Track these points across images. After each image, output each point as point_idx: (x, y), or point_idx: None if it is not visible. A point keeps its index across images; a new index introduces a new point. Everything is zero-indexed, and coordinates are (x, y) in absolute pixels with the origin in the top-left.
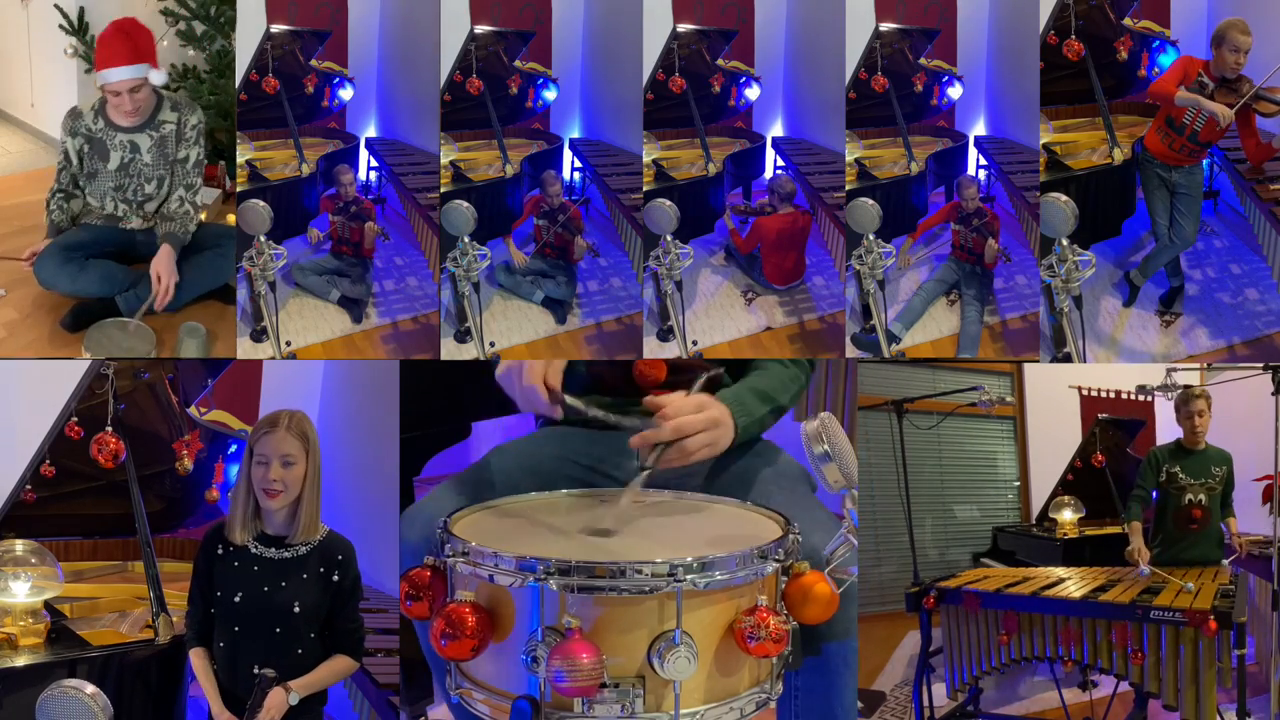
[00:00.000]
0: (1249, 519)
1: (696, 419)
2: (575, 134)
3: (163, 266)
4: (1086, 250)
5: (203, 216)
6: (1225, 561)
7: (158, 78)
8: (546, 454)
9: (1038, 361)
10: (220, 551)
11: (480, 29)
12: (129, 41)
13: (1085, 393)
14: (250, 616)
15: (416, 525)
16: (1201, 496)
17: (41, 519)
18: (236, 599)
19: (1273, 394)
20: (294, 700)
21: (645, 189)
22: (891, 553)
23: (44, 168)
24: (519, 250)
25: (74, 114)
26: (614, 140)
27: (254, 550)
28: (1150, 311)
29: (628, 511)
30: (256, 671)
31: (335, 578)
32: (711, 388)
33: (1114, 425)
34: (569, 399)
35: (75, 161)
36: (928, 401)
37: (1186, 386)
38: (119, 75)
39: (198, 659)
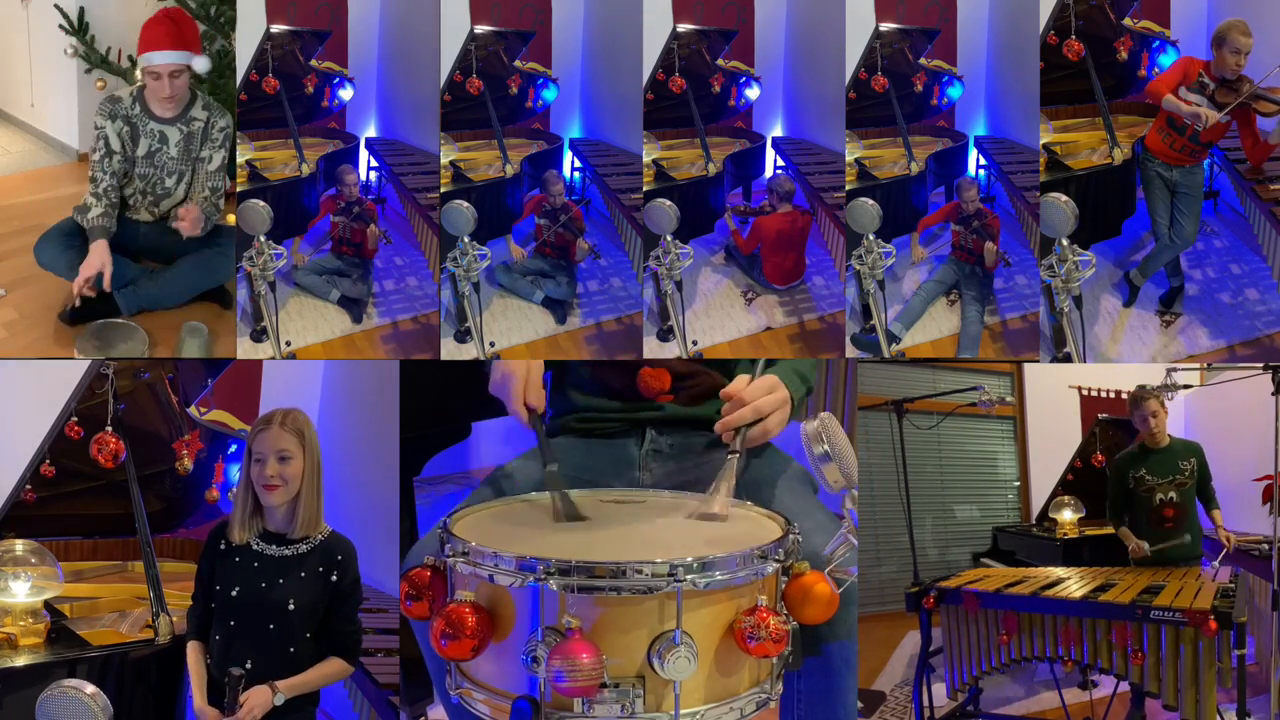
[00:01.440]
0: (1249, 519)
1: (772, 398)
2: (575, 134)
3: (189, 211)
4: (1086, 250)
5: None
6: (1216, 562)
7: (201, 65)
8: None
9: (1038, 361)
10: (223, 548)
11: (480, 29)
12: (174, 27)
13: (1085, 393)
14: (245, 612)
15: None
16: (1172, 494)
17: (41, 519)
18: (234, 594)
19: (1273, 394)
20: (279, 700)
21: (645, 189)
22: (891, 553)
23: (44, 168)
24: (518, 247)
25: (112, 99)
26: (614, 140)
27: (255, 547)
28: (1150, 311)
29: (726, 497)
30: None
31: (334, 578)
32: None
33: (1114, 425)
34: (539, 433)
35: (119, 147)
36: (928, 401)
37: (1138, 388)
38: (162, 58)
39: (192, 652)
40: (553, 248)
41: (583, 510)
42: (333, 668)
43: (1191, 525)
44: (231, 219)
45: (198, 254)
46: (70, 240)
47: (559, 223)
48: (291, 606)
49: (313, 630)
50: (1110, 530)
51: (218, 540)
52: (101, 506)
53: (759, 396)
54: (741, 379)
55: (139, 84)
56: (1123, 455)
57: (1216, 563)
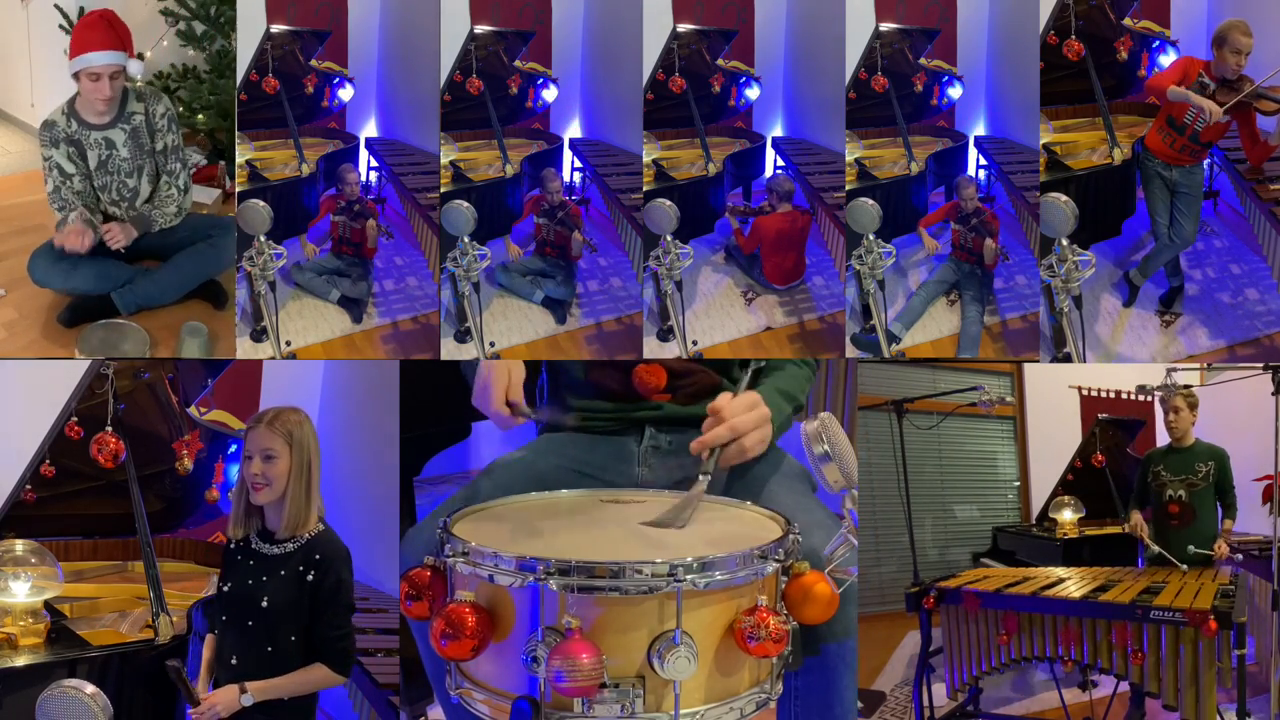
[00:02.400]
0: (1249, 519)
1: (750, 417)
2: (575, 134)
3: (118, 226)
4: (1086, 250)
5: (202, 211)
6: (1216, 559)
7: (135, 68)
8: (546, 464)
9: (1038, 361)
10: (231, 545)
11: (480, 29)
12: (111, 29)
13: (1085, 393)
14: (232, 608)
15: (418, 546)
16: (1181, 493)
17: (41, 519)
18: (225, 589)
19: (1273, 394)
20: (246, 702)
21: (645, 189)
22: (891, 553)
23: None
24: (515, 245)
25: (47, 125)
26: (614, 140)
27: (254, 545)
28: (1150, 311)
29: (689, 512)
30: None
31: (311, 578)
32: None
33: (1114, 425)
34: (526, 411)
35: (73, 169)
36: (928, 401)
37: (1169, 385)
38: (104, 59)
39: (205, 647)
40: (552, 247)
41: (585, 509)
42: (314, 675)
43: (1201, 529)
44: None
45: (193, 248)
46: (60, 253)
47: (556, 220)
48: (265, 604)
49: (297, 633)
50: (1110, 530)
51: (228, 537)
52: (101, 506)
53: (738, 414)
54: (725, 395)
55: (70, 96)
56: (1152, 450)
57: (1219, 564)
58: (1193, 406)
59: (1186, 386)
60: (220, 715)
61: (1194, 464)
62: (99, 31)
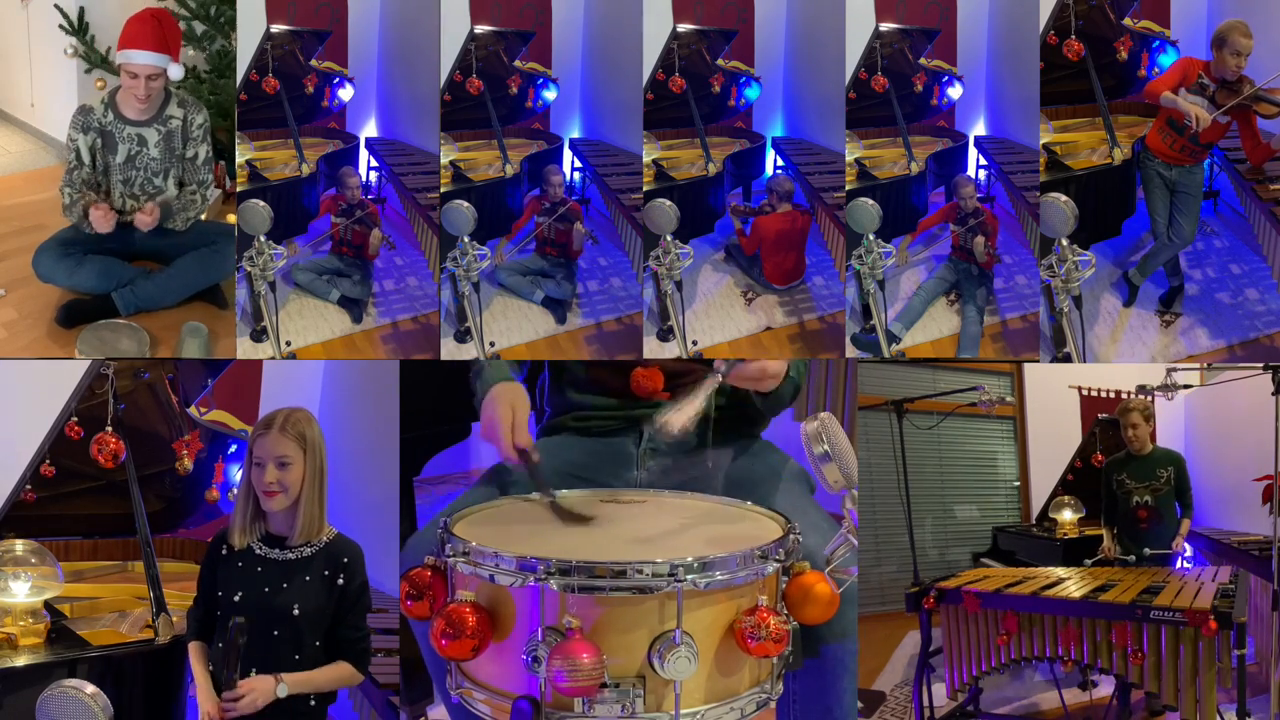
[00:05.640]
0: (1249, 519)
1: (776, 362)
2: (575, 134)
3: (148, 206)
4: (1086, 250)
5: (203, 217)
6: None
7: (176, 72)
8: (545, 467)
9: (1038, 361)
10: (224, 552)
11: (480, 29)
12: (159, 29)
13: (1085, 393)
14: (249, 617)
15: (420, 554)
16: (1147, 498)
17: (41, 519)
18: (237, 599)
19: (1273, 394)
20: (282, 692)
21: (645, 189)
22: (891, 553)
23: (44, 168)
24: (504, 255)
25: (84, 110)
26: (614, 140)
27: (258, 551)
28: (1150, 311)
29: (689, 413)
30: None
31: (340, 581)
32: None
33: (1114, 425)
34: (535, 461)
35: (88, 159)
36: (928, 401)
37: (1127, 395)
38: (142, 58)
39: (194, 653)
40: (553, 245)
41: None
42: (341, 671)
43: (1167, 529)
44: (231, 218)
45: (195, 253)
46: (67, 249)
47: (556, 216)
48: (297, 611)
49: (321, 638)
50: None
51: (220, 544)
52: (101, 506)
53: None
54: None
55: (114, 86)
56: (1111, 459)
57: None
58: (1149, 418)
59: (1187, 386)
60: (256, 705)
61: (1155, 470)
62: (146, 30)
